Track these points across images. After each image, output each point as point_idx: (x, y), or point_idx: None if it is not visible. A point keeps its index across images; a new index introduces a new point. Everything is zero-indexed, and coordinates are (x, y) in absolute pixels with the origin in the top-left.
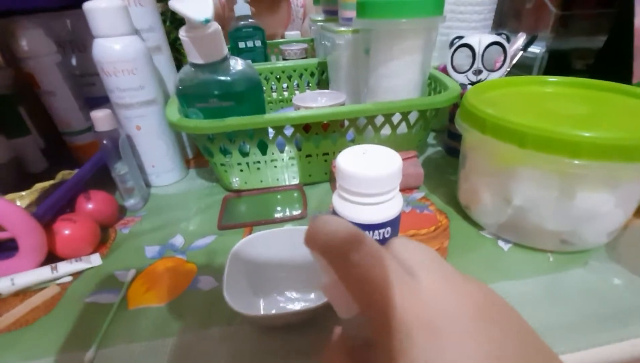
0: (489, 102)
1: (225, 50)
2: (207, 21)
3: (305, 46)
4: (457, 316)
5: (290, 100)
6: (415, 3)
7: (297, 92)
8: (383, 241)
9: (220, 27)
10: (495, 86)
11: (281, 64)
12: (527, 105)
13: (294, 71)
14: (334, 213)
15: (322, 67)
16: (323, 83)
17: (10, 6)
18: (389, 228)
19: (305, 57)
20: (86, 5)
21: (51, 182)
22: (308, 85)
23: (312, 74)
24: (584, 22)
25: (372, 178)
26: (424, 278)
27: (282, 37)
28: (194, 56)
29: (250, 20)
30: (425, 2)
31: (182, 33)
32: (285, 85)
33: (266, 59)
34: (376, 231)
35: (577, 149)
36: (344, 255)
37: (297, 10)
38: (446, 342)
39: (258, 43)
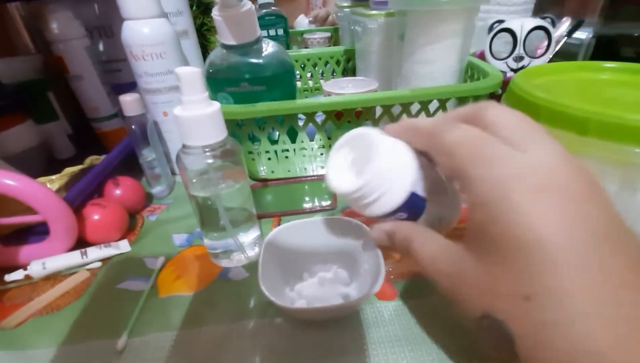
0: (540, 88)
1: (259, 31)
2: None
3: (328, 35)
4: (565, 186)
5: (315, 89)
6: None
7: (322, 81)
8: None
9: (253, 6)
10: (545, 72)
11: (306, 51)
12: (582, 92)
13: (319, 59)
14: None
15: (349, 55)
16: (349, 72)
17: None
18: (403, 213)
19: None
20: None
21: (80, 167)
22: (333, 74)
23: (337, 62)
24: (634, 7)
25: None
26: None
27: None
28: (226, 37)
29: (272, 7)
30: None
31: (215, 12)
32: (309, 74)
33: (288, 48)
34: (392, 216)
35: None
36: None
37: None
38: (553, 205)
39: (280, 32)
